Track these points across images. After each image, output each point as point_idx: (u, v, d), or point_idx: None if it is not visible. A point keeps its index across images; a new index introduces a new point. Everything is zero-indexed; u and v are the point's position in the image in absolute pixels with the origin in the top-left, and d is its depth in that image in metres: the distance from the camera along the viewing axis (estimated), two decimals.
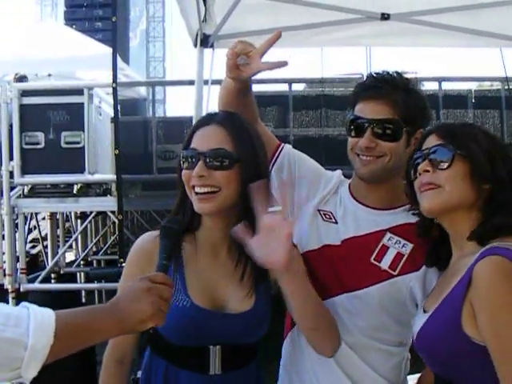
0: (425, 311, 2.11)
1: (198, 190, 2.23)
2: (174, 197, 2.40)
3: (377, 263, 2.41)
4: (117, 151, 7.13)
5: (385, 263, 2.41)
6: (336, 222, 2.52)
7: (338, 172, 2.71)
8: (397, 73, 2.48)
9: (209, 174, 2.21)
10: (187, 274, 2.29)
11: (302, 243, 2.50)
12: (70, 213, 10.50)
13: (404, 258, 2.40)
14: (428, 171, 2.07)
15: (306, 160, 2.68)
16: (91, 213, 9.05)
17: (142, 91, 12.59)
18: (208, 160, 2.21)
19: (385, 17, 5.20)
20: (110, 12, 7.64)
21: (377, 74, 2.49)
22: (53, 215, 9.35)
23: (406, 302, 2.40)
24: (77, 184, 8.47)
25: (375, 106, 2.38)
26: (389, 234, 2.45)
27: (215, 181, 2.21)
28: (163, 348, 2.31)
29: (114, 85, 7.10)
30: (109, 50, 8.20)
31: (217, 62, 5.25)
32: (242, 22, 5.14)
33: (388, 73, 2.47)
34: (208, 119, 2.32)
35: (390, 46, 5.67)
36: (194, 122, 5.04)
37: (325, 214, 2.54)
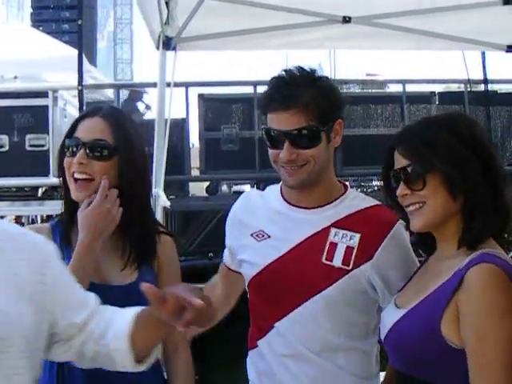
0: (397, 306, 2.15)
1: (76, 175, 2.39)
2: None
3: (329, 262, 2.39)
4: None
5: (337, 261, 2.39)
6: (269, 237, 2.49)
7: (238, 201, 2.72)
8: (299, 68, 2.40)
9: (88, 162, 2.37)
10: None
11: (248, 272, 2.53)
12: (36, 216, 10.42)
13: (354, 251, 2.38)
14: (406, 194, 2.11)
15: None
16: (57, 216, 8.98)
17: (110, 94, 12.53)
18: (88, 150, 2.37)
19: (346, 20, 5.25)
20: (76, 14, 7.63)
21: (279, 78, 2.40)
22: (18, 218, 9.28)
23: (367, 290, 2.41)
24: (42, 187, 8.41)
25: (288, 117, 2.32)
26: (334, 229, 2.42)
27: (92, 170, 2.38)
28: None
29: (80, 87, 7.08)
30: (76, 52, 8.17)
31: (179, 65, 5.28)
32: (205, 24, 5.17)
33: (291, 72, 2.39)
34: (94, 111, 2.47)
35: (351, 48, 5.75)
36: (155, 125, 5.07)
37: (257, 235, 2.52)
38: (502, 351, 1.85)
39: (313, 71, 2.43)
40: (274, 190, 2.61)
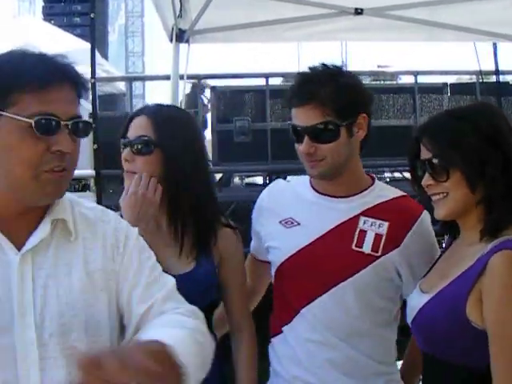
0: (423, 291, 2.21)
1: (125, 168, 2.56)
2: None
3: (359, 249, 2.46)
4: (95, 146, 7.14)
5: (367, 247, 2.46)
6: (298, 224, 2.55)
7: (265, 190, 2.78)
8: (323, 65, 2.47)
9: (132, 158, 2.51)
10: None
11: (276, 258, 2.57)
12: None
13: (383, 238, 2.46)
14: (431, 185, 2.18)
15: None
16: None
17: (121, 86, 12.57)
18: (133, 147, 2.50)
19: (358, 12, 5.29)
20: (88, 7, 7.67)
21: (301, 74, 2.48)
22: None
23: (393, 277, 2.48)
24: None
25: (306, 112, 2.40)
26: (363, 218, 2.49)
27: (136, 166, 2.51)
28: None
29: (93, 80, 7.11)
30: (87, 46, 8.19)
31: (192, 57, 5.32)
32: (218, 17, 5.21)
33: (314, 69, 2.46)
34: (141, 110, 2.60)
35: (363, 40, 5.74)
36: None
37: (286, 222, 2.58)
38: None
39: (336, 67, 2.49)
40: (302, 179, 2.67)
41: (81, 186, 8.73)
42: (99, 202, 7.20)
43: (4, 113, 1.61)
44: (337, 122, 2.40)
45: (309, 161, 2.45)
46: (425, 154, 2.20)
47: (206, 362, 1.71)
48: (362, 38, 5.72)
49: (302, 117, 2.42)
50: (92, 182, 7.94)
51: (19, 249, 1.69)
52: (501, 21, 5.55)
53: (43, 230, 1.73)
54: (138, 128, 2.52)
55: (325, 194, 2.56)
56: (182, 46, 5.27)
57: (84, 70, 7.55)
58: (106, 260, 1.80)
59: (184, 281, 2.32)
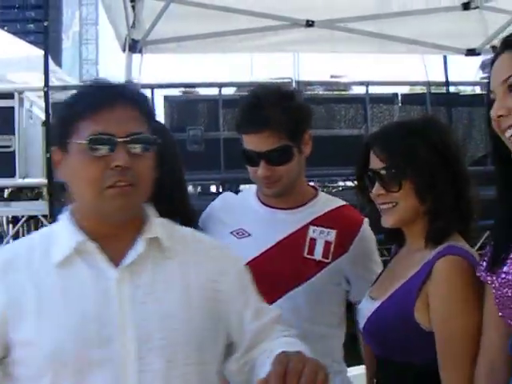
0: (372, 298, 2.28)
1: None
2: None
3: (311, 257, 2.57)
4: (48, 155, 7.10)
5: (318, 254, 2.56)
6: (249, 235, 2.63)
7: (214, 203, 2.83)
8: (267, 88, 2.60)
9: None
10: None
11: None
12: (2, 217, 10.37)
13: (332, 245, 2.57)
14: (382, 194, 2.22)
15: None
16: (23, 217, 8.96)
17: None
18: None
19: (309, 24, 5.38)
20: (42, 14, 7.61)
21: (248, 101, 2.55)
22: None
23: (341, 282, 2.60)
24: (8, 188, 8.39)
25: (262, 138, 2.47)
26: (312, 227, 2.59)
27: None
28: None
29: (46, 89, 7.07)
30: (41, 53, 8.13)
31: (145, 67, 5.35)
32: (171, 27, 5.27)
33: (263, 93, 2.54)
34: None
35: (314, 52, 5.86)
36: None
37: (237, 233, 2.65)
38: (464, 335, 2.01)
39: (280, 89, 2.59)
40: (249, 192, 2.77)
41: (34, 194, 8.66)
42: (51, 211, 7.19)
43: (68, 140, 1.74)
44: (290, 144, 2.48)
45: (266, 183, 2.53)
46: (376, 163, 2.24)
47: None
48: (313, 49, 5.83)
49: (257, 143, 2.49)
50: (45, 191, 7.88)
51: (117, 265, 1.77)
52: (448, 34, 5.70)
53: (139, 246, 1.80)
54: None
55: (272, 207, 2.64)
56: (136, 56, 5.29)
57: (37, 76, 7.42)
58: (203, 277, 1.86)
59: None
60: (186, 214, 2.61)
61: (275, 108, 2.47)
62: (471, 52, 5.93)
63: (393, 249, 2.49)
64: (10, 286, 1.76)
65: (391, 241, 2.45)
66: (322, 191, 2.78)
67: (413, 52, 5.97)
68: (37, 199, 8.44)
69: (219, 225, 2.70)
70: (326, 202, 2.67)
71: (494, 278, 1.90)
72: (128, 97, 1.81)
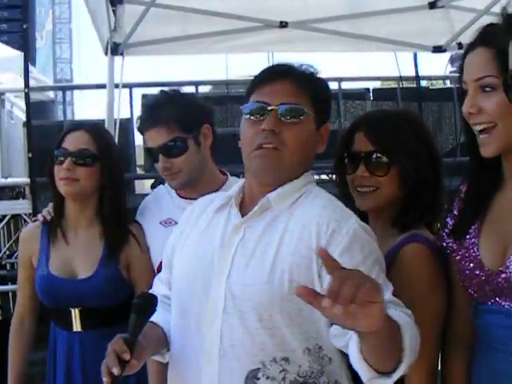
0: None
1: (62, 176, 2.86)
2: None
3: None
4: (30, 154, 7.21)
5: None
6: (176, 223, 2.70)
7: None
8: (162, 92, 2.97)
9: (74, 168, 2.82)
10: (52, 251, 2.93)
11: (159, 257, 2.82)
12: None
13: None
14: (365, 177, 2.31)
15: None
16: (4, 216, 9.01)
17: (50, 93, 12.47)
18: (74, 158, 2.81)
19: (283, 25, 5.57)
20: (16, 14, 7.67)
21: (146, 103, 3.11)
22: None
23: None
24: None
25: (155, 134, 2.83)
26: None
27: (77, 174, 2.82)
28: (47, 311, 2.99)
29: (27, 90, 7.17)
30: (15, 53, 8.17)
31: (127, 67, 5.52)
32: (150, 30, 5.43)
33: (155, 96, 2.99)
34: (78, 126, 2.93)
35: (288, 51, 5.94)
36: (105, 125, 5.31)
37: (165, 222, 2.95)
38: (429, 317, 2.08)
39: (174, 91, 2.95)
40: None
41: (15, 193, 8.74)
42: (35, 209, 7.28)
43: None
44: (183, 136, 2.79)
45: (168, 175, 2.83)
46: (364, 146, 2.31)
47: (416, 351, 1.80)
48: (287, 49, 5.95)
49: (152, 138, 2.82)
50: (27, 190, 7.97)
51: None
52: (416, 32, 5.88)
53: (256, 207, 2.05)
54: (78, 142, 2.85)
55: (185, 198, 2.92)
56: (117, 59, 5.45)
57: (12, 77, 7.45)
58: (302, 244, 1.97)
59: (88, 284, 2.85)
60: (125, 212, 2.99)
61: (164, 107, 2.80)
62: (438, 49, 6.09)
63: None
64: (183, 223, 2.22)
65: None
66: None
67: (383, 50, 6.11)
68: (17, 198, 8.51)
69: (150, 215, 3.02)
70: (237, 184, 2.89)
71: (456, 247, 2.03)
72: (288, 74, 2.09)
